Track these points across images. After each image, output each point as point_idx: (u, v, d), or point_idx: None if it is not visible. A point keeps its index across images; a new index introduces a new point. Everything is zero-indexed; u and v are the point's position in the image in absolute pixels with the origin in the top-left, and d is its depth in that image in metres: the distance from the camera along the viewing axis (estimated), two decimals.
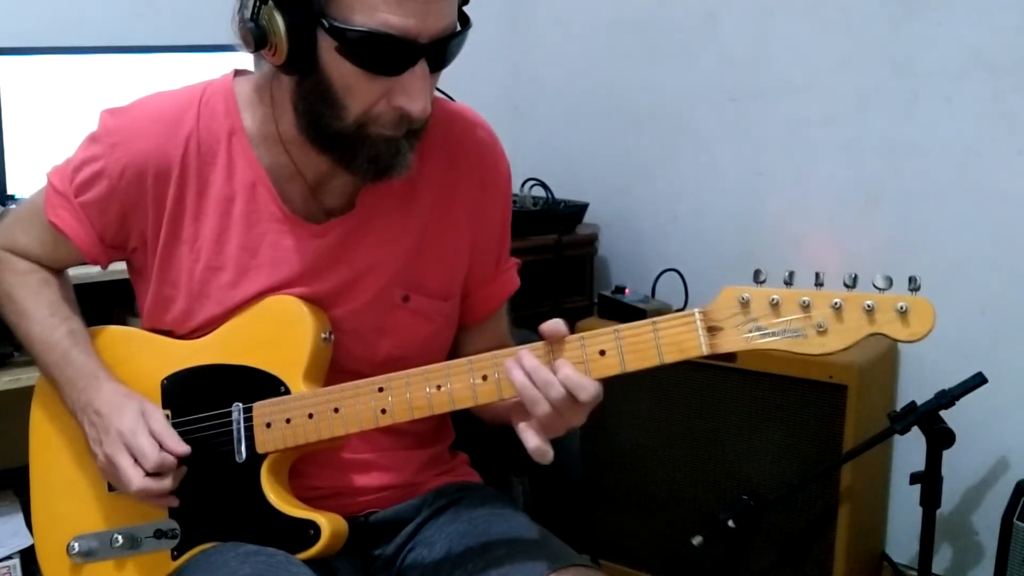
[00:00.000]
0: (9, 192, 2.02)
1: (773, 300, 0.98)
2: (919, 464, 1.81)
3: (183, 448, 1.14)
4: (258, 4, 1.06)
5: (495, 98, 2.82)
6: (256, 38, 1.06)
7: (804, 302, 0.97)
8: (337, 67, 1.05)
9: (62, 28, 2.19)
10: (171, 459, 1.14)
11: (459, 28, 1.08)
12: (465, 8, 1.11)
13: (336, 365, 1.20)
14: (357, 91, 1.06)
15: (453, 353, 1.29)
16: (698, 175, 2.48)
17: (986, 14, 1.97)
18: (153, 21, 2.30)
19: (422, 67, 1.05)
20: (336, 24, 1.02)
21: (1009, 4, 1.94)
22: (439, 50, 1.06)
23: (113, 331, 1.29)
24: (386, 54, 1.04)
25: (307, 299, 1.19)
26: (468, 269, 1.29)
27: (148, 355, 1.24)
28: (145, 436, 1.14)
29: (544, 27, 2.80)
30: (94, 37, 2.17)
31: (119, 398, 1.18)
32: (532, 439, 1.05)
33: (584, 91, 2.71)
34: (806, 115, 2.26)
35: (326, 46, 1.04)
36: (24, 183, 2.02)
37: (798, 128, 2.28)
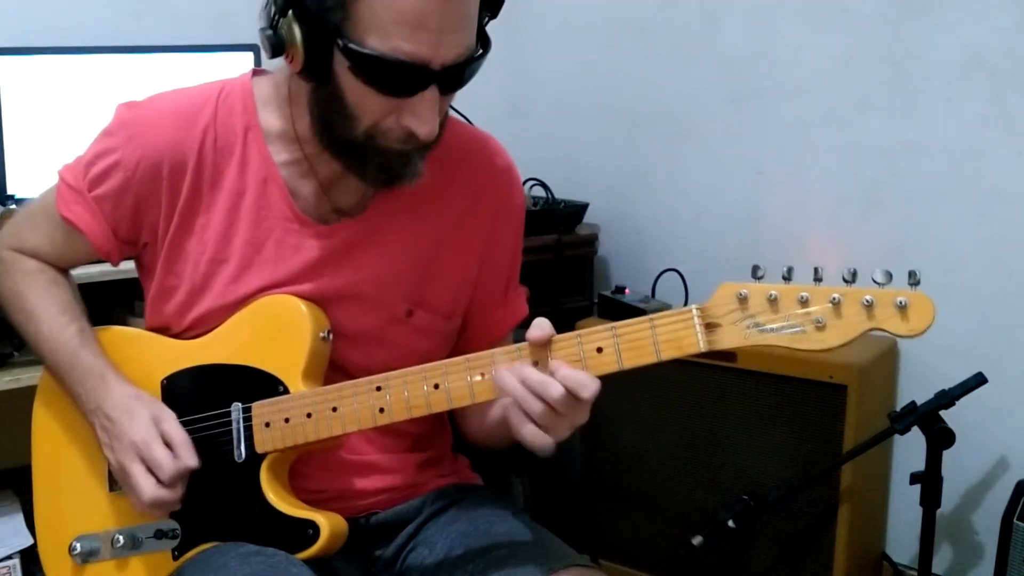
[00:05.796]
0: (9, 192, 2.02)
1: (771, 296, 0.97)
2: (919, 464, 1.81)
3: (194, 461, 1.14)
4: (277, 15, 1.06)
5: (495, 98, 2.81)
6: (274, 45, 1.07)
7: (802, 298, 0.96)
8: (349, 81, 1.06)
9: (62, 28, 2.19)
10: (184, 468, 1.13)
11: (478, 52, 1.08)
12: (487, 28, 1.10)
13: (334, 364, 1.21)
14: (367, 106, 1.07)
15: None
16: (698, 175, 2.48)
17: (985, 15, 1.97)
18: (153, 21, 2.30)
19: (432, 91, 1.06)
20: (351, 45, 1.02)
21: (1009, 4, 1.94)
22: (452, 75, 1.06)
23: (114, 331, 1.29)
24: (397, 78, 1.04)
25: (307, 298, 1.19)
26: (473, 295, 1.29)
27: (148, 355, 1.24)
28: (159, 447, 1.13)
29: (544, 27, 2.79)
30: (94, 37, 2.17)
31: (129, 401, 1.17)
32: (528, 427, 1.02)
33: (584, 91, 2.71)
34: (806, 115, 2.26)
35: (340, 62, 1.05)
36: (24, 183, 2.02)
37: (798, 128, 2.28)
